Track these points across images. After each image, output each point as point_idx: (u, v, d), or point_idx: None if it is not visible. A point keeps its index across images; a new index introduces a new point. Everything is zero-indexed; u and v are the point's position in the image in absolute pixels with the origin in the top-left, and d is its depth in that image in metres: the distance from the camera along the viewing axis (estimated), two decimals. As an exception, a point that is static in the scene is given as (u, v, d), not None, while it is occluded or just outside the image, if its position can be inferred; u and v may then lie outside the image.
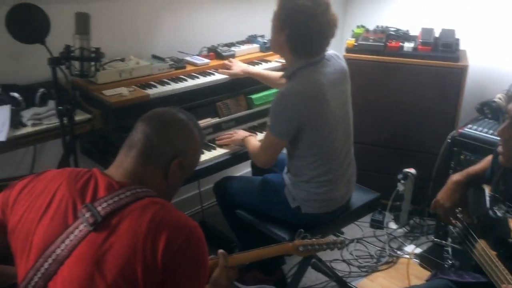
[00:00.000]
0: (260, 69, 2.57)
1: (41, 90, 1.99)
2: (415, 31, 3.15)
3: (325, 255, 2.55)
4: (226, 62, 2.53)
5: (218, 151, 2.26)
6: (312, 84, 1.89)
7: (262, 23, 2.59)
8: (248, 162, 2.82)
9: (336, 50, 2.15)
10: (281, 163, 2.18)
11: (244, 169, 3.24)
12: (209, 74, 2.47)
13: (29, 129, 1.86)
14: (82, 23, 1.67)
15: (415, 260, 2.72)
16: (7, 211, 1.14)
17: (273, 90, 2.56)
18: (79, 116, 1.97)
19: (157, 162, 1.20)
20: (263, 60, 2.75)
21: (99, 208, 1.07)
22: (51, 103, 1.97)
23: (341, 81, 2.00)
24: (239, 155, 2.30)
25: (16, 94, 1.94)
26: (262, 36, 2.93)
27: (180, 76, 2.40)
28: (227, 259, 1.38)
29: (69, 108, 1.70)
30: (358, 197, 2.29)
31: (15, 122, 1.85)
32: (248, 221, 2.17)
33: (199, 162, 1.35)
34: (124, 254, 1.03)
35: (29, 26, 1.68)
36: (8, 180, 2.22)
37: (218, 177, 2.47)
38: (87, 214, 1.06)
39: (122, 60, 2.27)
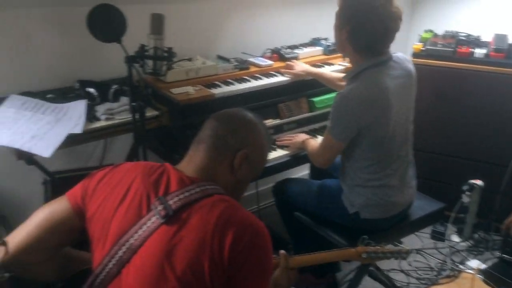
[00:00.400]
0: (321, 70, 2.56)
1: (115, 86, 2.09)
2: (486, 37, 3.01)
3: (383, 264, 2.50)
4: (288, 62, 2.55)
5: (279, 152, 2.28)
6: (376, 87, 1.85)
7: (326, 26, 2.58)
8: (307, 165, 2.83)
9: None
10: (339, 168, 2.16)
11: (302, 172, 3.23)
12: (272, 75, 2.49)
13: (102, 123, 1.96)
14: (157, 23, 1.75)
15: (479, 276, 2.59)
16: (86, 200, 1.21)
17: (336, 93, 2.53)
18: (148, 113, 2.05)
19: (223, 155, 1.23)
20: (326, 63, 2.74)
21: (171, 202, 1.11)
22: (123, 99, 2.07)
23: (407, 85, 1.95)
24: (299, 157, 2.30)
25: (92, 90, 2.05)
26: (326, 39, 2.92)
27: (244, 76, 2.44)
28: (288, 260, 1.39)
29: (141, 104, 1.78)
30: (420, 207, 2.22)
31: (90, 116, 1.96)
32: (306, 224, 2.17)
33: (266, 161, 1.37)
34: (192, 248, 1.06)
35: (108, 26, 1.77)
36: (81, 171, 2.37)
37: (276, 178, 2.48)
38: (160, 207, 1.11)
39: (190, 59, 2.35)
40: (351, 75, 1.93)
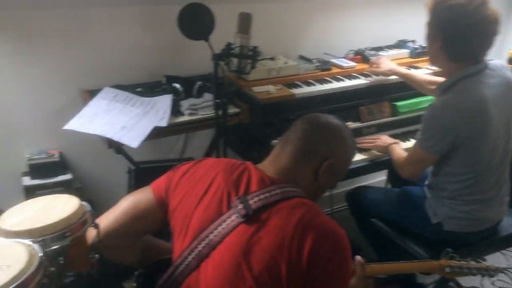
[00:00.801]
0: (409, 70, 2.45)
1: (199, 83, 2.15)
2: None
3: (464, 280, 2.35)
4: (374, 58, 2.47)
5: (357, 156, 2.21)
6: (474, 98, 1.73)
7: (413, 27, 2.47)
8: (383, 171, 2.73)
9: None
10: (423, 175, 2.06)
11: (377, 177, 3.13)
12: (354, 77, 2.43)
13: (186, 118, 2.03)
14: (245, 22, 1.78)
15: None
16: (170, 192, 1.26)
17: (421, 98, 2.42)
18: (229, 110, 2.08)
19: (310, 161, 1.22)
20: (412, 66, 2.62)
21: (251, 202, 1.12)
22: (207, 95, 2.12)
23: (506, 95, 1.81)
24: (378, 162, 2.22)
25: (177, 85, 2.13)
26: (413, 41, 2.80)
27: (325, 77, 2.40)
28: (365, 268, 1.35)
29: (225, 101, 1.82)
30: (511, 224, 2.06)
31: (175, 110, 2.04)
32: (384, 232, 2.10)
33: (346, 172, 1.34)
34: (270, 250, 1.06)
35: (198, 24, 1.82)
36: (162, 162, 2.47)
37: (351, 182, 2.43)
38: (240, 206, 1.12)
39: (272, 59, 2.36)
40: (445, 86, 1.82)
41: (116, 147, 1.93)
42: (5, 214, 1.05)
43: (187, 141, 2.50)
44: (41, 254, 0.88)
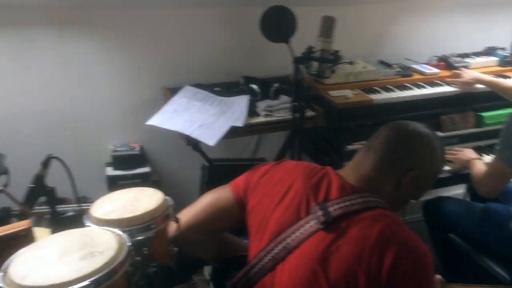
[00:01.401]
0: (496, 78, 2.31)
1: (276, 84, 2.17)
2: None
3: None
4: (456, 71, 2.35)
5: (438, 167, 2.11)
6: None
7: (503, 34, 2.32)
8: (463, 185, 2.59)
9: None
10: (509, 193, 1.92)
11: (456, 189, 2.97)
12: (437, 84, 2.33)
13: (261, 119, 2.05)
14: (328, 26, 1.76)
15: None
16: (248, 192, 1.27)
17: (510, 110, 2.27)
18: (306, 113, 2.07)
19: (394, 171, 1.17)
20: (501, 75, 2.46)
21: (331, 209, 1.10)
22: (283, 98, 2.13)
23: None
24: (460, 175, 2.11)
25: (255, 86, 2.16)
26: (503, 49, 2.62)
27: (406, 84, 2.32)
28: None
29: (303, 104, 1.81)
30: None
31: (251, 111, 2.06)
32: (462, 249, 1.98)
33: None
34: (349, 260, 1.04)
35: (279, 27, 1.84)
36: (235, 161, 2.51)
37: (428, 192, 2.31)
38: (319, 213, 1.10)
39: (351, 63, 2.32)
40: None
41: (194, 144, 1.99)
42: (97, 202, 1.12)
43: (259, 142, 2.52)
44: (129, 244, 0.93)
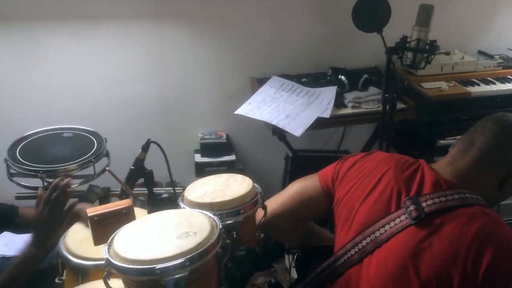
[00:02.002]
0: None
1: (365, 76, 2.11)
2: None
3: None
4: None
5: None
6: None
7: None
8: None
9: None
10: None
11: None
12: (546, 77, 2.13)
13: (348, 111, 2.02)
14: (425, 15, 1.68)
15: None
16: (336, 183, 1.26)
17: None
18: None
19: (497, 170, 1.09)
20: None
21: (424, 204, 1.06)
22: (372, 89, 2.08)
23: None
24: None
25: (343, 77, 2.12)
26: None
27: (508, 76, 2.15)
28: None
29: (394, 96, 1.75)
30: None
31: (338, 102, 2.03)
32: None
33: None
34: (442, 258, 0.99)
35: (373, 16, 1.78)
36: (319, 152, 2.50)
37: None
38: (411, 207, 1.06)
39: (447, 53, 2.19)
40: None
41: (280, 134, 2.01)
42: (190, 186, 1.17)
43: (344, 133, 2.48)
44: (221, 227, 0.96)
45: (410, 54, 1.75)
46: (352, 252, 1.13)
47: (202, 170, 2.31)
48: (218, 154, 2.33)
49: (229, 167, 2.31)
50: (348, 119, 2.02)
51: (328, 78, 2.18)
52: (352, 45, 2.32)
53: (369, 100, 2.01)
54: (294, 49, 2.33)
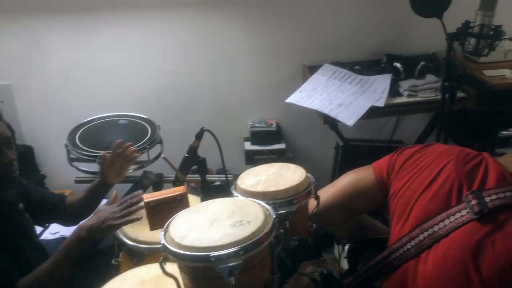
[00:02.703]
0: None
1: (422, 63, 2.03)
2: None
3: None
4: None
5: None
6: None
7: None
8: None
9: None
10: None
11: None
12: None
13: (404, 99, 1.95)
14: (491, -2, 1.58)
15: None
16: (392, 175, 1.22)
17: None
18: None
19: None
20: None
21: (487, 199, 1.00)
22: (429, 77, 2.00)
23: None
24: None
25: (398, 65, 2.05)
26: None
27: None
28: None
29: (454, 84, 1.67)
30: None
31: (393, 91, 1.97)
32: None
33: None
34: (505, 257, 0.94)
35: (433, 0, 1.70)
36: (370, 142, 2.44)
37: None
38: (473, 202, 1.01)
39: (512, 39, 2.07)
40: None
41: (331, 123, 1.98)
42: (243, 175, 1.17)
43: (398, 123, 2.40)
44: (274, 216, 0.96)
45: (472, 40, 1.66)
46: (408, 246, 1.09)
47: (252, 158, 2.32)
48: (268, 142, 2.33)
49: (279, 156, 2.30)
50: (403, 108, 1.96)
51: (383, 65, 2.11)
52: (408, 31, 2.23)
53: (426, 88, 1.94)
54: (347, 35, 2.27)
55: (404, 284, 1.08)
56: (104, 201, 1.49)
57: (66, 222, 1.69)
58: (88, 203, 1.63)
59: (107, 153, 1.59)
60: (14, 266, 1.25)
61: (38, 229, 1.70)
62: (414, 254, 1.08)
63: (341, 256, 2.05)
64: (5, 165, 1.26)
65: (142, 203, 1.24)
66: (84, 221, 1.33)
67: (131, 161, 1.65)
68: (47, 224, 1.64)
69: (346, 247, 1.98)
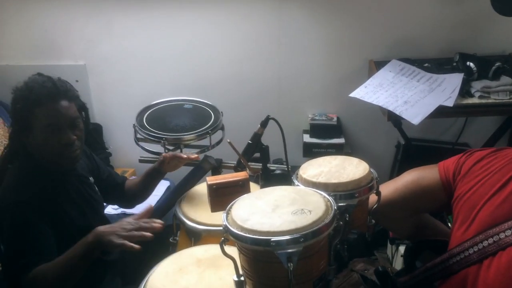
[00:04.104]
0: None
1: (497, 64, 1.94)
2: None
3: None
4: None
5: None
6: None
7: None
8: None
9: None
10: None
11: None
12: None
13: (475, 100, 1.87)
14: None
15: None
16: (458, 177, 1.18)
17: None
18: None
19: None
20: None
21: None
22: (504, 78, 1.90)
23: None
24: None
25: (471, 64, 1.96)
26: None
27: None
28: None
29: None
30: None
31: (463, 91, 1.89)
32: None
33: None
34: None
35: (515, -3, 1.61)
36: (434, 142, 2.36)
37: None
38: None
39: None
40: None
41: (395, 120, 1.94)
42: (305, 165, 1.18)
43: (466, 125, 2.30)
44: (336, 208, 0.96)
45: None
46: (471, 251, 1.06)
47: (309, 151, 2.31)
48: (327, 136, 2.32)
49: (337, 150, 2.28)
50: (473, 109, 1.88)
51: (454, 64, 2.03)
52: (484, 29, 2.13)
53: (500, 90, 1.84)
54: (418, 31, 2.20)
55: (462, 289, 1.06)
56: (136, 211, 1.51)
57: (124, 204, 1.78)
58: (144, 187, 1.69)
59: (168, 152, 1.65)
60: (74, 241, 1.24)
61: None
62: (476, 260, 1.05)
63: (394, 256, 2.01)
64: (64, 145, 1.30)
65: (149, 235, 1.19)
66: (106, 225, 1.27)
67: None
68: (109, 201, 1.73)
69: (400, 247, 1.95)
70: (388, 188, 1.28)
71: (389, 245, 2.08)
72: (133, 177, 2.42)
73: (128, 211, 2.04)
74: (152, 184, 1.71)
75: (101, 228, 1.22)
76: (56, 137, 1.28)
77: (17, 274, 1.20)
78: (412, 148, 2.28)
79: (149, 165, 1.71)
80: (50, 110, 1.27)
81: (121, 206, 1.84)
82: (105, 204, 1.66)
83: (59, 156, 1.31)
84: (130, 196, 1.70)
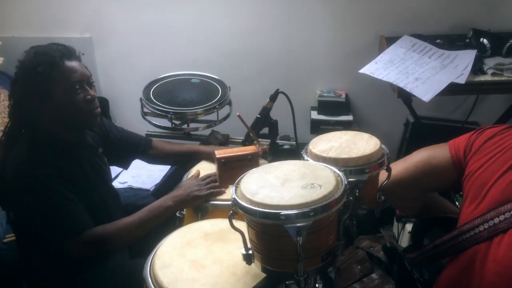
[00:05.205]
0: None
1: (511, 40, 1.89)
2: None
3: None
4: None
5: None
6: None
7: None
8: None
9: None
10: None
11: None
12: None
13: (487, 78, 1.83)
14: None
15: None
16: (469, 155, 1.16)
17: None
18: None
19: None
20: None
21: None
22: (521, 56, 1.86)
23: None
24: None
25: (485, 41, 1.92)
26: None
27: None
28: None
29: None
30: None
31: (476, 68, 1.86)
32: None
33: None
34: None
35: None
36: (444, 121, 2.34)
37: None
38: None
39: None
40: None
41: (405, 97, 1.91)
42: (315, 140, 1.17)
43: (476, 103, 2.27)
44: (346, 183, 0.95)
45: None
46: (481, 228, 1.05)
47: (317, 128, 2.29)
48: (335, 113, 2.30)
49: (345, 127, 2.26)
50: (485, 87, 1.84)
51: (467, 40, 1.98)
52: (499, 5, 2.07)
53: (513, 68, 1.81)
54: (430, 6, 2.15)
55: (471, 266, 1.05)
56: (184, 177, 1.55)
57: (148, 160, 1.74)
58: (174, 160, 1.75)
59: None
60: (88, 210, 1.31)
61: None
62: (486, 237, 1.04)
63: (400, 233, 2.01)
64: (89, 102, 1.31)
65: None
66: (171, 192, 1.41)
67: None
68: (128, 164, 1.71)
69: (407, 225, 1.95)
70: (398, 167, 1.26)
71: (395, 223, 2.08)
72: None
73: (134, 185, 2.05)
74: (181, 160, 1.73)
75: (177, 193, 1.37)
76: (82, 95, 1.29)
77: (63, 241, 1.25)
78: (421, 126, 2.26)
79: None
80: (69, 68, 1.27)
81: (145, 161, 1.75)
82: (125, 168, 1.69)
83: (87, 114, 1.32)
84: (156, 155, 1.70)
